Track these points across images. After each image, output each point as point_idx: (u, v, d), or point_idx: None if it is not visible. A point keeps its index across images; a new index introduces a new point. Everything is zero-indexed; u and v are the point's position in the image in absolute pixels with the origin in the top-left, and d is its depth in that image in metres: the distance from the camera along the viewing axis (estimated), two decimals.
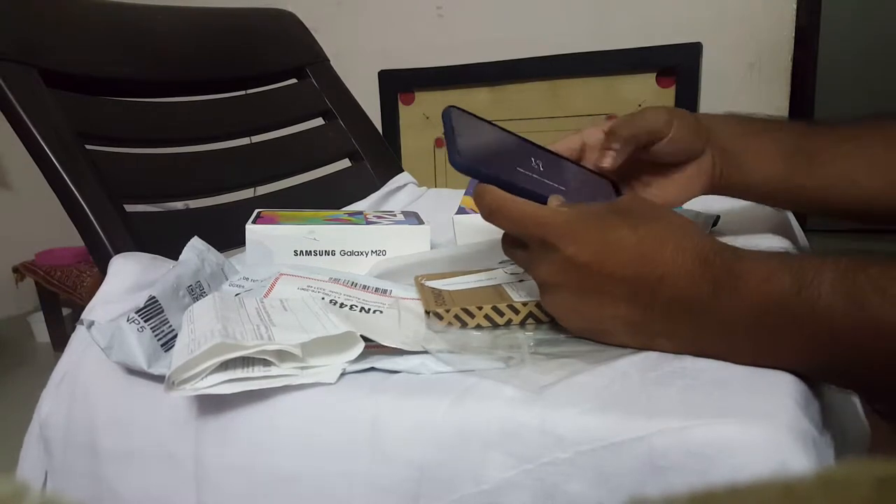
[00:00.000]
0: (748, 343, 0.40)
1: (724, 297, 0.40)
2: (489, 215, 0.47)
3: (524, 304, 0.49)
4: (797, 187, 0.57)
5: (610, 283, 0.42)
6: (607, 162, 0.56)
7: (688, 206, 0.62)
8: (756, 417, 0.35)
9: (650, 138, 0.56)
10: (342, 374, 0.44)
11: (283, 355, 0.43)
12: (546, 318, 0.49)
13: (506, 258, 0.55)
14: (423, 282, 0.55)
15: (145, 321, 0.48)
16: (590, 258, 0.42)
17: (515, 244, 0.48)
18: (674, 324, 0.42)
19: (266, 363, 0.43)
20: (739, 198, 0.62)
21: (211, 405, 0.44)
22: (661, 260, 0.41)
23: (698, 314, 0.41)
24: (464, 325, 0.48)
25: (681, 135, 0.56)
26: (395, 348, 0.45)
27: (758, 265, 0.40)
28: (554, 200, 0.49)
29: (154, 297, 0.50)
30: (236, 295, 0.55)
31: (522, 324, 0.49)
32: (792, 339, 0.38)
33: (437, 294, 0.52)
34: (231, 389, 0.41)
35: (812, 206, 0.59)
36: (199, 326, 0.44)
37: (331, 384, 0.43)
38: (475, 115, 0.54)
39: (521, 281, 0.55)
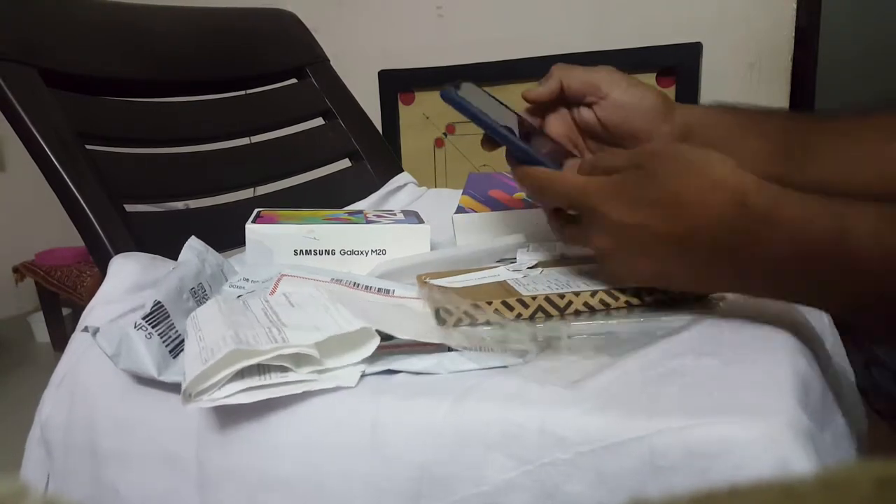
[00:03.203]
0: (793, 285, 0.41)
1: (763, 243, 0.40)
2: (536, 192, 0.51)
3: (533, 298, 0.49)
4: (792, 185, 0.56)
5: (658, 239, 0.44)
6: (530, 97, 0.57)
7: None
8: (756, 416, 0.35)
9: (585, 90, 0.56)
10: (361, 377, 0.43)
11: (299, 359, 0.42)
12: (555, 312, 0.50)
13: (506, 256, 0.56)
14: (427, 280, 0.55)
15: (153, 327, 0.48)
16: (635, 219, 0.44)
17: (566, 220, 0.50)
18: (722, 268, 0.43)
19: (283, 369, 0.42)
20: None
21: (212, 408, 0.44)
22: (699, 211, 0.42)
23: (741, 259, 0.42)
24: (474, 320, 0.48)
25: (629, 101, 0.55)
26: (410, 347, 0.45)
27: (797, 210, 0.39)
28: (572, 163, 0.51)
29: (160, 302, 0.49)
30: (238, 297, 0.55)
31: (532, 318, 0.49)
32: (835, 283, 0.39)
33: (444, 291, 0.52)
34: (250, 398, 0.41)
35: None
36: (207, 334, 0.43)
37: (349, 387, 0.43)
38: (482, 89, 0.57)
39: (524, 276, 0.55)
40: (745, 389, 0.38)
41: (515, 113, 0.57)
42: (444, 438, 0.39)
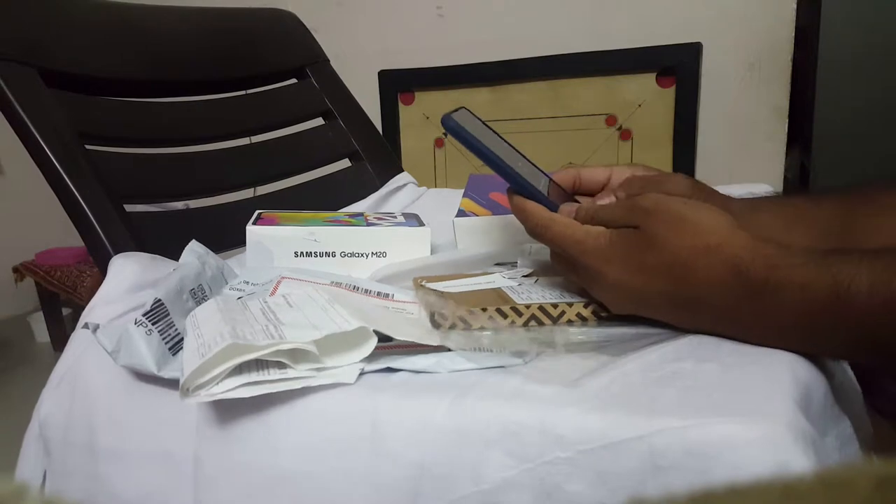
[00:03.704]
0: (795, 341, 0.42)
1: (761, 308, 0.41)
2: (532, 232, 0.51)
3: (527, 306, 0.49)
4: None
5: (654, 300, 0.45)
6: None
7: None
8: (756, 417, 0.35)
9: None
10: (360, 374, 0.44)
11: (296, 356, 0.43)
12: (547, 321, 0.50)
13: (502, 261, 0.56)
14: (422, 283, 0.55)
15: (153, 324, 0.48)
16: (632, 282, 0.45)
17: (566, 263, 0.50)
18: (724, 325, 0.44)
19: (281, 365, 0.42)
20: None
21: (210, 405, 0.44)
22: (696, 278, 0.43)
23: (740, 322, 0.43)
24: (468, 326, 0.48)
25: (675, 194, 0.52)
26: (409, 347, 0.45)
27: (794, 272, 0.40)
28: (567, 210, 0.51)
29: (160, 300, 0.50)
30: (238, 299, 0.55)
31: (526, 325, 0.50)
32: (836, 337, 0.40)
33: (440, 296, 0.52)
34: (248, 393, 0.41)
35: None
36: (206, 331, 0.43)
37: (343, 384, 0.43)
38: (477, 117, 0.55)
39: (519, 285, 0.55)
40: (745, 392, 0.38)
41: (514, 148, 0.56)
42: (443, 436, 0.39)
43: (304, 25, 1.02)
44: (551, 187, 0.55)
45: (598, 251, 0.46)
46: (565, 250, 0.48)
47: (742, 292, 0.41)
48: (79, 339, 0.53)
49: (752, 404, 0.36)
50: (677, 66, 1.53)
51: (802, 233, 0.53)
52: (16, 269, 2.12)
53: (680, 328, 0.46)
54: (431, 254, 0.65)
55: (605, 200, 0.54)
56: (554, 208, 0.51)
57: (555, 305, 0.50)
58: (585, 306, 0.50)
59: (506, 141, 0.56)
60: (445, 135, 1.77)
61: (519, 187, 0.52)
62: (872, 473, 0.16)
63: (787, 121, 1.50)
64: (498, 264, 0.61)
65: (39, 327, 2.22)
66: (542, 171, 0.56)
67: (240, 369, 0.41)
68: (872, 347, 0.39)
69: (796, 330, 0.41)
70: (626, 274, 0.45)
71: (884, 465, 0.16)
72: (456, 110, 0.53)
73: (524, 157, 0.56)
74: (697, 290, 0.43)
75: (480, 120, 0.55)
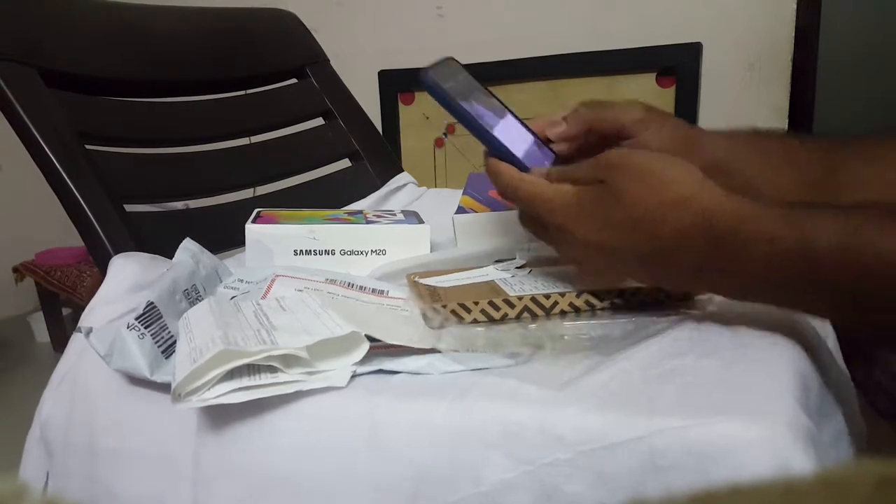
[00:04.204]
0: (765, 295, 0.42)
1: (730, 260, 0.41)
2: (503, 191, 0.50)
3: (519, 298, 0.49)
4: None
5: (624, 256, 0.44)
6: (553, 134, 0.54)
7: None
8: (756, 416, 0.35)
9: (613, 131, 0.53)
10: (353, 377, 0.43)
11: (288, 360, 0.42)
12: (540, 313, 0.50)
13: (502, 258, 0.55)
14: (416, 279, 0.55)
15: (145, 327, 0.48)
16: (600, 238, 0.44)
17: (535, 223, 0.50)
18: (690, 279, 0.44)
19: (272, 369, 0.42)
20: None
21: (209, 407, 0.44)
22: (664, 232, 0.42)
23: (709, 273, 0.43)
24: (460, 320, 0.48)
25: (655, 142, 0.52)
26: (402, 348, 0.45)
27: (762, 225, 0.40)
28: (539, 171, 0.50)
29: (152, 303, 0.50)
30: (232, 298, 0.55)
31: (518, 318, 0.50)
32: (805, 292, 0.40)
33: (432, 291, 0.52)
34: (240, 398, 0.41)
35: None
36: (198, 334, 0.44)
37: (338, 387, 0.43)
38: (464, 67, 0.56)
39: (512, 276, 0.55)
40: (745, 390, 0.38)
41: (503, 104, 0.55)
42: (442, 438, 0.39)
43: (304, 25, 1.02)
44: (539, 145, 0.54)
45: (566, 209, 0.46)
46: (534, 209, 0.48)
47: (711, 245, 0.41)
48: (79, 340, 0.53)
49: (753, 403, 0.36)
50: (677, 66, 1.53)
51: (784, 173, 0.53)
52: (16, 269, 2.12)
53: (648, 283, 0.47)
54: (431, 252, 0.65)
55: (559, 129, 0.54)
56: (527, 170, 0.50)
57: (547, 296, 0.50)
58: (578, 296, 0.50)
59: (494, 96, 0.55)
60: (445, 135, 1.76)
61: (494, 149, 0.51)
62: (872, 474, 0.16)
63: (787, 121, 1.50)
64: (498, 261, 0.61)
65: (39, 327, 2.21)
66: (530, 130, 0.55)
67: (231, 374, 0.41)
68: (838, 305, 0.39)
69: (765, 283, 0.41)
70: (594, 231, 0.45)
71: (884, 465, 0.16)
72: (439, 62, 0.52)
73: (512, 113, 0.55)
74: (666, 244, 0.42)
75: (467, 71, 0.54)
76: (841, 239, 0.37)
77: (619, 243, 0.44)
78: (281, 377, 0.42)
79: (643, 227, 0.43)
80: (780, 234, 0.39)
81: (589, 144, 0.54)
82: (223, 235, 0.68)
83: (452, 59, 0.55)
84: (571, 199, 0.46)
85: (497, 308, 0.49)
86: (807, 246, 0.38)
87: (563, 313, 0.50)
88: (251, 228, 0.63)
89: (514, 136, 0.52)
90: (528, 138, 0.54)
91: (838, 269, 0.38)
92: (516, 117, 0.55)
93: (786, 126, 1.49)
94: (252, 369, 0.42)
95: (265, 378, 0.42)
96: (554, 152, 0.55)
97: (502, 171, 0.50)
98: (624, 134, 0.53)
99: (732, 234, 0.40)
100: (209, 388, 0.41)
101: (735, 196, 0.42)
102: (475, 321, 0.48)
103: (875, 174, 0.51)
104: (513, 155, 0.50)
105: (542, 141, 0.55)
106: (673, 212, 0.42)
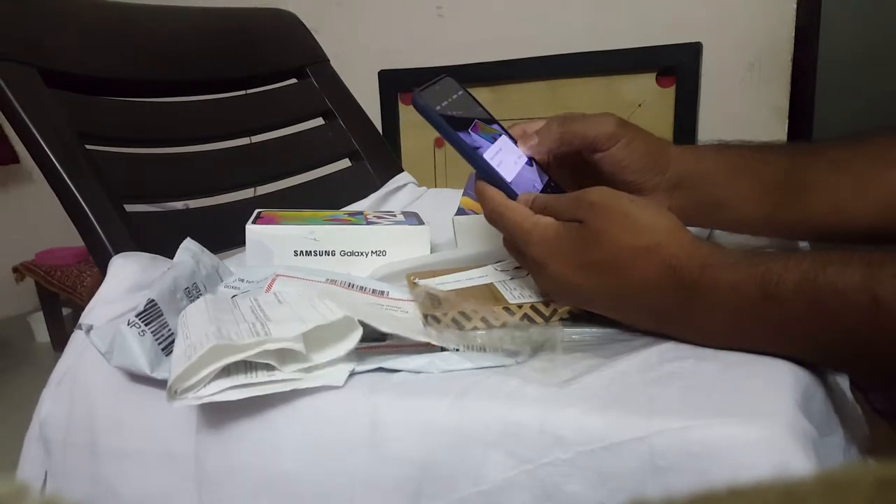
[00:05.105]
0: (733, 339, 0.42)
1: (694, 308, 0.42)
2: (488, 217, 0.51)
3: (519, 305, 0.49)
4: (780, 223, 0.54)
5: (594, 295, 0.46)
6: (525, 148, 0.55)
7: None
8: (756, 417, 0.35)
9: (584, 145, 0.53)
10: (351, 375, 0.44)
11: (284, 356, 0.42)
12: (540, 321, 0.50)
13: (501, 259, 0.55)
14: (415, 280, 0.55)
15: (146, 325, 0.48)
16: (573, 277, 0.45)
17: (515, 250, 0.51)
18: (657, 327, 0.45)
19: (269, 367, 0.42)
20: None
21: (211, 406, 0.44)
22: (632, 276, 0.43)
23: (675, 321, 0.44)
24: (461, 328, 0.48)
25: (625, 156, 0.53)
26: (403, 347, 0.45)
27: (725, 272, 0.41)
28: (525, 199, 0.50)
29: (153, 301, 0.50)
30: (232, 297, 0.55)
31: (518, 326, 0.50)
32: (764, 338, 0.41)
33: (433, 297, 0.52)
34: (235, 396, 0.41)
35: (798, 237, 0.57)
36: (193, 331, 0.44)
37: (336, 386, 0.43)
38: (463, 87, 0.55)
39: (511, 279, 0.55)
40: (745, 392, 0.38)
41: (498, 124, 0.55)
42: (443, 437, 0.39)
43: (304, 25, 1.02)
44: (533, 166, 0.54)
45: (543, 243, 0.47)
46: (514, 239, 0.49)
47: (676, 293, 0.42)
48: (78, 340, 0.53)
49: (752, 405, 0.36)
50: (677, 66, 1.53)
51: (746, 183, 0.53)
52: (16, 269, 2.12)
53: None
54: (431, 252, 0.65)
55: (531, 142, 0.54)
56: (515, 195, 0.50)
57: (546, 304, 0.50)
58: None
59: (489, 114, 0.55)
60: None
61: (483, 172, 0.51)
62: (873, 475, 0.16)
63: (787, 121, 1.50)
64: (498, 262, 0.61)
65: (39, 327, 2.21)
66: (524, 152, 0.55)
67: (228, 371, 0.42)
68: (803, 346, 0.40)
69: (729, 330, 0.42)
70: (567, 268, 0.45)
71: (884, 465, 0.16)
72: (433, 82, 0.52)
73: (508, 133, 0.55)
74: (633, 289, 0.44)
75: (463, 90, 0.54)
76: (800, 279, 0.38)
77: (589, 283, 0.45)
78: (277, 375, 0.42)
79: (614, 270, 0.44)
80: (742, 279, 0.40)
81: (564, 155, 0.55)
82: (223, 235, 0.68)
83: (449, 77, 0.55)
84: (550, 233, 0.46)
85: (497, 317, 0.49)
86: (768, 289, 0.39)
87: (562, 321, 0.50)
88: (251, 229, 0.63)
89: (506, 158, 0.52)
90: (522, 160, 0.54)
91: (798, 310, 0.38)
92: (512, 138, 0.55)
93: (786, 126, 1.50)
94: (248, 367, 0.42)
95: (261, 376, 0.42)
96: (548, 174, 0.55)
97: (488, 196, 0.50)
98: (595, 148, 0.53)
99: (696, 282, 0.41)
100: (204, 386, 0.41)
101: (704, 245, 0.43)
102: (476, 328, 0.49)
103: (839, 181, 0.51)
104: (502, 179, 0.51)
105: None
106: (643, 258, 0.43)
